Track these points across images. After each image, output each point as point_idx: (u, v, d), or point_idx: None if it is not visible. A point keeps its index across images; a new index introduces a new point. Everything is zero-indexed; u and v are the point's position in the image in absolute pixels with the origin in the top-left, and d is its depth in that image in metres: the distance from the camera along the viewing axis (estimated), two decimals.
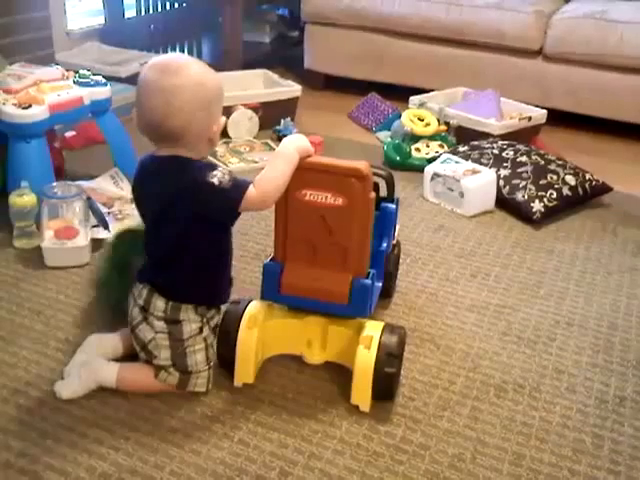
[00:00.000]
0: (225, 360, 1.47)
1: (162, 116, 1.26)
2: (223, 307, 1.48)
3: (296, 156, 1.32)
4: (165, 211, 1.32)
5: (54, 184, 1.94)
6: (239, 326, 1.44)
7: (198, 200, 1.28)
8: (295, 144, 1.34)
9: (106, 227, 1.97)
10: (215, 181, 1.25)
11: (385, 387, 1.42)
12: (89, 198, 1.97)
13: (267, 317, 1.48)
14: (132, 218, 2.11)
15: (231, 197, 1.27)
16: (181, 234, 1.32)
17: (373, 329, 1.43)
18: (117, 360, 1.46)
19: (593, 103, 3.06)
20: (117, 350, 1.49)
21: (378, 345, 1.39)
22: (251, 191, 1.27)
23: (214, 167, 1.28)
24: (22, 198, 1.90)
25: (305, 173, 1.35)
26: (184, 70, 1.26)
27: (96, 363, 1.42)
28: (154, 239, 1.38)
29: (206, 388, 1.42)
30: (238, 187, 1.27)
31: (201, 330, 1.40)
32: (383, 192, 1.65)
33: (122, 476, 1.23)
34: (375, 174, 1.51)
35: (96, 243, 1.94)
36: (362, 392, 1.41)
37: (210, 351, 1.42)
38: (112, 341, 1.50)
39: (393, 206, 1.65)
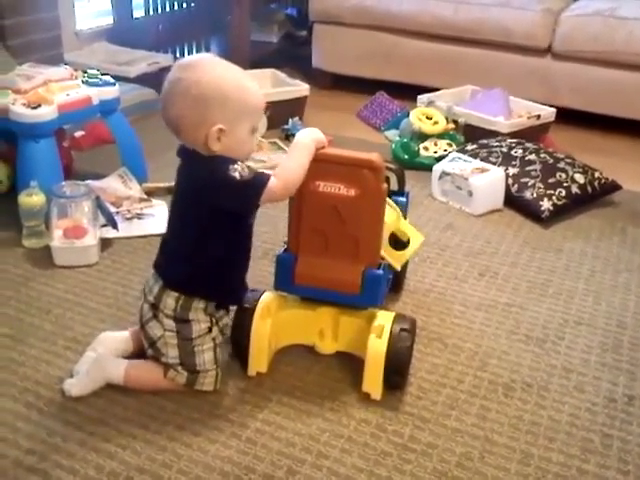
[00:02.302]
0: (239, 350, 1.49)
1: (164, 103, 1.31)
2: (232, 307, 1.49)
3: (313, 146, 1.36)
4: (188, 205, 1.34)
5: (63, 183, 1.95)
6: (253, 316, 1.46)
7: (220, 194, 1.29)
8: (311, 135, 1.37)
9: (115, 226, 1.98)
10: (237, 175, 1.27)
11: (398, 366, 1.42)
12: (98, 197, 1.97)
13: (280, 307, 1.51)
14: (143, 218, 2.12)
15: (253, 190, 1.29)
16: (201, 229, 1.34)
17: (384, 319, 1.45)
18: (127, 358, 1.47)
19: (602, 101, 3.05)
20: (127, 348, 1.49)
21: (390, 333, 1.41)
22: (273, 182, 1.29)
23: (233, 161, 1.29)
24: (31, 197, 1.91)
25: (318, 165, 1.37)
26: (194, 67, 1.29)
27: (104, 360, 1.43)
28: (175, 233, 1.40)
29: (214, 387, 1.43)
30: (259, 179, 1.29)
31: (210, 330, 1.40)
32: (394, 186, 1.67)
33: (130, 474, 1.24)
34: (386, 168, 1.52)
35: (105, 243, 1.95)
36: (373, 379, 1.42)
37: (218, 351, 1.43)
38: (122, 339, 1.51)
39: (404, 199, 1.67)
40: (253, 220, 1.40)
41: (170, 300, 1.37)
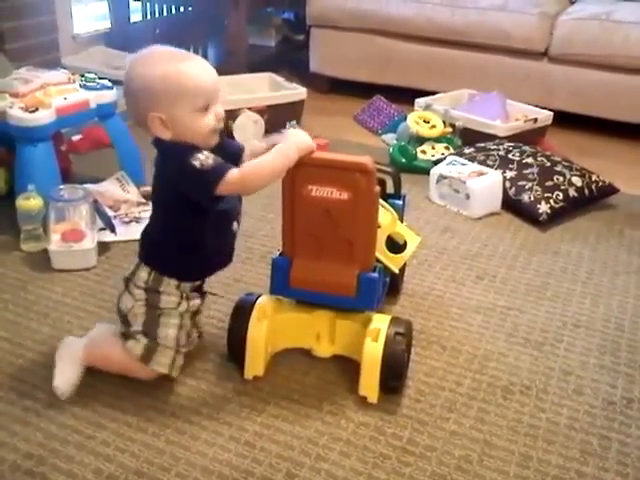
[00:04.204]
0: (235, 354, 1.49)
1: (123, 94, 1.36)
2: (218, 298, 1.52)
3: (294, 153, 1.34)
4: (158, 190, 1.38)
5: (61, 187, 1.95)
6: (249, 319, 1.46)
7: (179, 180, 1.30)
8: (297, 142, 1.36)
9: (112, 230, 1.98)
10: (197, 163, 1.27)
11: (393, 369, 1.43)
12: (95, 201, 1.97)
13: (276, 311, 1.51)
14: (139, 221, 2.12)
15: (209, 178, 1.28)
16: (169, 213, 1.37)
17: (380, 322, 1.45)
18: None
19: (599, 104, 3.05)
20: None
21: (386, 336, 1.42)
22: (232, 174, 1.28)
23: (198, 150, 1.30)
24: (29, 201, 1.91)
25: (310, 169, 1.37)
26: (132, 63, 1.33)
27: (66, 340, 1.48)
28: (152, 215, 1.44)
29: (169, 370, 1.42)
30: (218, 169, 1.29)
31: (179, 305, 1.41)
32: (390, 189, 1.68)
33: (129, 478, 1.24)
34: (382, 171, 1.53)
35: (102, 246, 1.95)
36: (370, 383, 1.43)
37: (182, 334, 1.42)
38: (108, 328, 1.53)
39: (400, 202, 1.67)
40: (226, 208, 1.39)
41: (143, 273, 1.40)
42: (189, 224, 1.37)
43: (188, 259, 1.41)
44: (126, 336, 1.42)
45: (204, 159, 1.28)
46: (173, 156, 1.31)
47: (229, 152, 1.39)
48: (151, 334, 1.41)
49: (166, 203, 1.38)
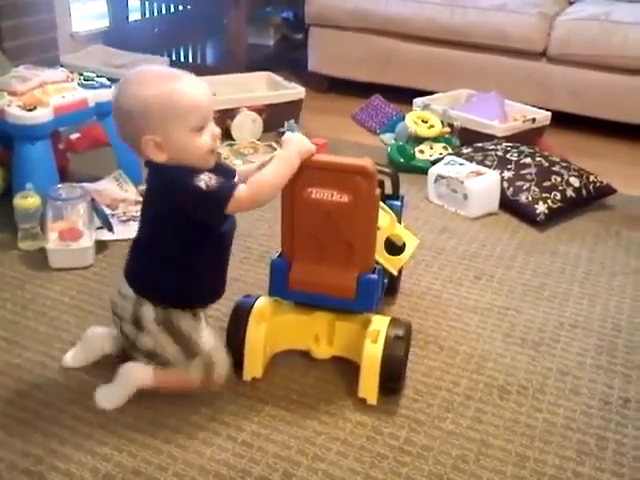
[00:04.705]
0: (234, 355, 1.48)
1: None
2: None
3: (296, 158, 1.34)
4: (160, 214, 1.32)
5: (59, 186, 1.95)
6: (247, 321, 1.46)
7: (188, 204, 1.27)
8: (297, 146, 1.35)
9: (110, 229, 1.98)
10: (202, 185, 1.25)
11: (393, 372, 1.43)
12: (93, 200, 1.97)
13: (275, 313, 1.51)
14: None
15: (218, 198, 1.27)
16: (177, 239, 1.32)
17: (380, 323, 1.45)
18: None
19: (597, 105, 3.06)
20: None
21: (385, 338, 1.41)
22: (241, 191, 1.27)
23: (199, 171, 1.27)
24: (26, 200, 1.91)
25: (311, 172, 1.36)
26: (124, 83, 1.29)
27: (131, 368, 1.41)
28: (150, 241, 1.38)
29: (226, 374, 1.41)
30: (226, 188, 1.27)
31: (195, 318, 1.38)
32: (388, 190, 1.67)
33: (126, 477, 1.24)
34: (381, 172, 1.53)
35: (100, 245, 1.95)
36: (369, 385, 1.43)
37: (213, 339, 1.40)
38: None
39: (398, 203, 1.67)
40: (229, 229, 1.38)
41: (148, 309, 1.35)
42: (191, 248, 1.33)
43: (187, 288, 1.37)
44: (162, 363, 1.39)
45: (207, 180, 1.25)
46: (173, 182, 1.27)
47: (223, 175, 1.33)
48: (193, 355, 1.38)
49: (166, 232, 1.32)
